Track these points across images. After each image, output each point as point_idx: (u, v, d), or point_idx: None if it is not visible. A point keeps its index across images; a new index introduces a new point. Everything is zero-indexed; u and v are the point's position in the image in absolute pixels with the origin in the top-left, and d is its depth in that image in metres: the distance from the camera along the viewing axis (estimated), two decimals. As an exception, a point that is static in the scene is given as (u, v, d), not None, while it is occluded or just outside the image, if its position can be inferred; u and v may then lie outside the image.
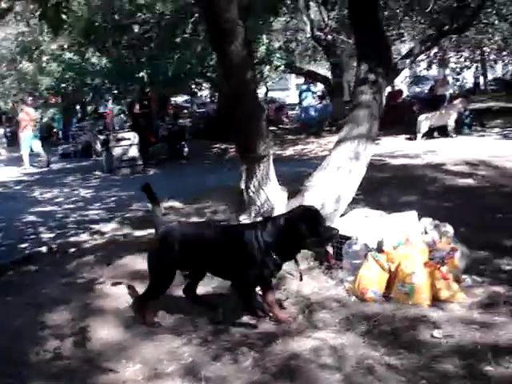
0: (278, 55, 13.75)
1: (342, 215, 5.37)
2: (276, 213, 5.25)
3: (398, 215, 4.89)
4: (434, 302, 4.14)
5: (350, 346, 3.63)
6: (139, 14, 12.83)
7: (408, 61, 15.96)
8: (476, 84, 30.58)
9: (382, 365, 3.39)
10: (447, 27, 15.39)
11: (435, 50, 24.24)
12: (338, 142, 5.55)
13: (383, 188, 7.71)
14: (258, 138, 4.84)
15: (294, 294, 4.52)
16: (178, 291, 4.48)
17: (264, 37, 13.10)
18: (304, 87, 18.53)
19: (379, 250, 4.52)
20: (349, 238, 4.69)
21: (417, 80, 26.73)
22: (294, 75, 31.03)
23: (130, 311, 4.37)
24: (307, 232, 3.81)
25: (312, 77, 18.46)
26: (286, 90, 41.70)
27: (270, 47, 13.77)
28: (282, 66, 14.11)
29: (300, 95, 18.66)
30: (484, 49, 27.18)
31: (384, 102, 5.75)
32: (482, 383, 3.13)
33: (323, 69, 26.08)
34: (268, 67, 13.83)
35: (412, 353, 3.49)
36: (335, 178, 5.37)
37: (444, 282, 4.16)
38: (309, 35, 17.36)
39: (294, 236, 3.83)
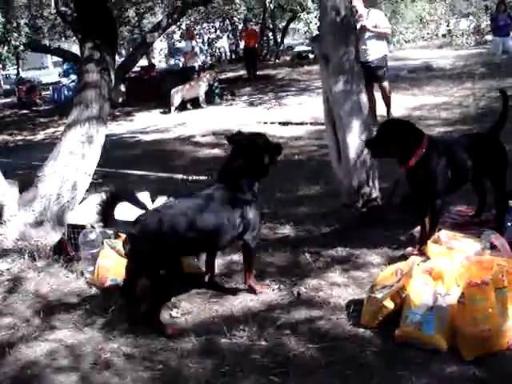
0: (15, 34, 12.69)
1: (80, 202, 5.14)
2: (6, 209, 4.87)
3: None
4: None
5: (87, 342, 3.47)
6: None
7: (156, 34, 15.97)
8: (232, 52, 31.80)
9: (120, 357, 3.29)
10: (192, -1, 15.71)
11: (187, 21, 24.68)
12: (68, 126, 5.26)
13: (133, 166, 7.58)
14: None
15: (30, 294, 4.21)
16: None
17: (-1, 14, 11.98)
18: (67, 66, 17.58)
19: (116, 235, 4.38)
20: (84, 227, 4.49)
21: (173, 52, 26.87)
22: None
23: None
24: None
25: (59, 54, 17.57)
26: (44, 69, 39.67)
27: (6, 25, 12.65)
28: (22, 46, 13.07)
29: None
30: (234, 19, 28.32)
31: (113, 80, 5.56)
32: (218, 358, 3.16)
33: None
34: (6, 48, 12.71)
35: (149, 338, 3.43)
36: (69, 165, 5.10)
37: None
38: (54, 11, 16.40)
39: None
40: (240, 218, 3.68)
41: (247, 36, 19.65)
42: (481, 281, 2.95)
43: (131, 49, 20.55)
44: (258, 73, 19.01)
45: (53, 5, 15.82)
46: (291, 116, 10.80)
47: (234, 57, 31.14)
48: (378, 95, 9.15)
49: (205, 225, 3.58)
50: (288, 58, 25.62)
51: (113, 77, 5.56)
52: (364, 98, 4.76)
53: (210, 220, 3.60)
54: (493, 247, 3.56)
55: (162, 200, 4.78)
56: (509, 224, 3.81)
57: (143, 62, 22.38)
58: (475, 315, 2.91)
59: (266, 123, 10.17)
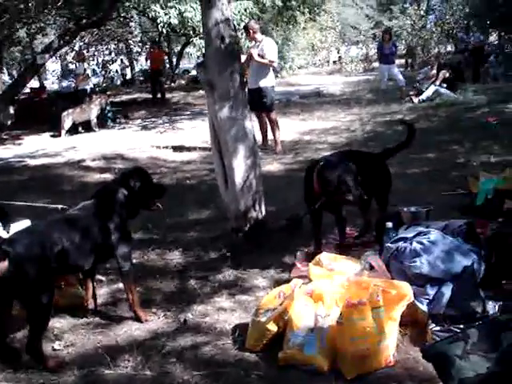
0: None
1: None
2: None
3: (16, 225, 4.60)
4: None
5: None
6: None
7: (47, 55, 15.52)
8: (123, 76, 31.42)
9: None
10: (85, 21, 15.39)
11: (81, 43, 24.15)
12: None
13: (19, 192, 7.27)
14: None
15: None
16: None
17: None
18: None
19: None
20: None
21: (67, 74, 26.13)
22: None
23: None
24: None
25: None
26: None
27: None
28: None
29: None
30: (129, 41, 28.03)
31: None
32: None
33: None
34: None
35: (30, 373, 3.29)
36: None
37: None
38: None
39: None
40: (105, 236, 3.72)
41: (154, 58, 19.24)
42: (358, 301, 3.07)
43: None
44: (152, 96, 18.76)
45: None
46: (184, 140, 10.76)
47: (126, 79, 30.78)
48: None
49: (78, 244, 3.57)
50: (183, 82, 25.65)
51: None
52: (249, 124, 4.84)
53: (83, 238, 3.61)
54: (372, 268, 3.70)
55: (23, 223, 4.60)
56: (386, 244, 3.97)
57: (35, 83, 21.67)
58: (354, 335, 3.02)
59: (158, 147, 10.09)
